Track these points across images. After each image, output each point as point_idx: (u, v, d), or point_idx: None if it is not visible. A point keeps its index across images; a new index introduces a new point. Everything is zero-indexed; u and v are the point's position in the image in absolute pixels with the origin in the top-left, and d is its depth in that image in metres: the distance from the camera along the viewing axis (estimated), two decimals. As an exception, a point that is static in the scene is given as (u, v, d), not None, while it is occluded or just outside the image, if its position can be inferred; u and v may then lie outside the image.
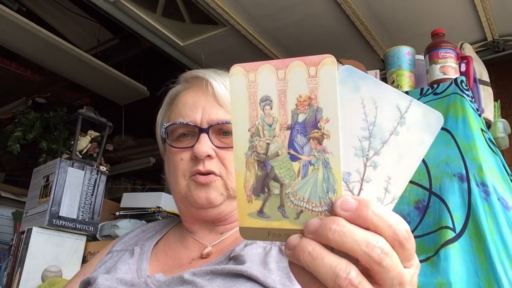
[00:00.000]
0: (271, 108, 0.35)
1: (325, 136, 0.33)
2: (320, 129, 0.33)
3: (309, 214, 0.34)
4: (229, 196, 0.78)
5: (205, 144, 0.76)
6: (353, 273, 0.32)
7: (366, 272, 0.33)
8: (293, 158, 0.34)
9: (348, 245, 0.32)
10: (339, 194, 0.33)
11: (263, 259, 0.68)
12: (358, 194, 0.35)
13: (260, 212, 0.35)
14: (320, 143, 0.33)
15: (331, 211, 0.34)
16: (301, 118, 0.34)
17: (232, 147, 0.76)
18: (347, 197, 0.33)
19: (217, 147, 0.78)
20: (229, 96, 0.79)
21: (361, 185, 0.35)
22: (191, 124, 0.79)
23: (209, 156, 0.77)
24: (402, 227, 0.34)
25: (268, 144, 0.35)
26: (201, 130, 0.78)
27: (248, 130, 0.35)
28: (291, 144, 0.34)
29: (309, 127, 0.33)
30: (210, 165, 0.77)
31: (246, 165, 0.35)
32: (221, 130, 0.80)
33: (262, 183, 0.35)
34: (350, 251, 0.32)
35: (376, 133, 0.34)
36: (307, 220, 0.34)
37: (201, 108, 0.80)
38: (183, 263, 0.77)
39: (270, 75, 0.35)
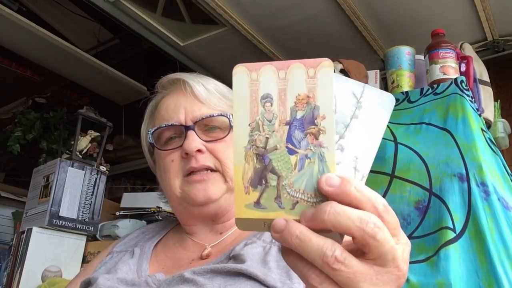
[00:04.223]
0: (271, 105, 0.37)
1: (321, 132, 0.35)
2: (316, 125, 0.36)
3: (304, 204, 0.36)
4: (228, 188, 0.78)
5: (193, 140, 0.77)
6: (338, 251, 0.34)
7: (361, 250, 0.36)
8: (291, 152, 0.36)
9: (343, 224, 0.34)
10: None
11: (263, 258, 0.68)
12: None
13: (257, 203, 0.37)
14: (317, 138, 0.35)
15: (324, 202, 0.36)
16: (299, 115, 0.36)
17: (221, 139, 0.78)
18: (331, 174, 0.36)
19: (205, 141, 0.79)
20: (208, 93, 0.82)
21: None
22: (176, 124, 0.80)
23: (199, 151, 0.77)
24: (380, 201, 0.36)
25: (267, 138, 0.37)
26: (187, 128, 0.79)
27: (249, 125, 0.37)
28: (289, 139, 0.36)
29: (306, 123, 0.36)
30: (203, 160, 0.77)
31: (245, 158, 0.37)
32: (207, 126, 0.80)
33: (260, 175, 0.37)
34: (346, 229, 0.34)
35: (339, 119, 0.37)
36: (302, 210, 0.36)
37: (183, 108, 0.81)
38: (183, 264, 0.77)
39: (272, 75, 0.37)
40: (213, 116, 0.80)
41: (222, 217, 0.80)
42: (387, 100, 0.37)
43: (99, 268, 0.82)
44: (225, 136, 0.80)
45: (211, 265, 0.69)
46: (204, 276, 0.66)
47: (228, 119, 0.81)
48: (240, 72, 0.38)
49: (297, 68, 0.36)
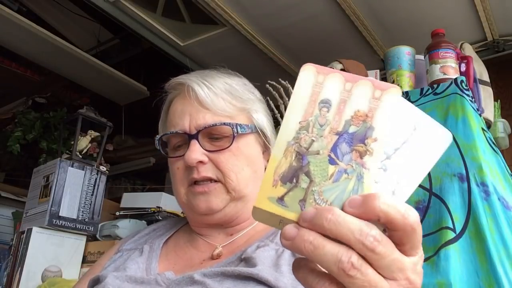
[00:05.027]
0: (327, 111, 0.37)
1: (368, 153, 0.35)
2: (365, 145, 0.35)
3: None
4: (232, 198, 0.77)
5: (194, 151, 0.76)
6: (354, 257, 0.33)
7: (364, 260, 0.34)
8: (331, 162, 0.36)
9: (343, 234, 0.33)
10: None
11: (275, 262, 0.67)
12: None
13: (280, 199, 0.36)
14: (361, 157, 0.35)
15: None
16: (352, 129, 0.36)
17: (224, 149, 0.77)
18: (354, 196, 0.35)
19: (209, 151, 0.77)
20: (213, 98, 0.79)
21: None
22: (180, 132, 0.79)
23: (201, 162, 0.76)
24: (412, 213, 0.35)
25: (313, 140, 0.36)
26: (191, 137, 0.77)
27: (299, 123, 0.37)
28: (334, 149, 0.36)
29: (356, 139, 0.35)
30: (204, 171, 0.76)
31: (284, 152, 0.37)
32: (212, 135, 0.79)
33: (293, 174, 0.36)
34: (345, 239, 0.33)
35: (390, 141, 0.36)
36: None
37: (188, 115, 0.79)
38: (194, 264, 0.77)
39: (338, 83, 0.37)
40: (215, 125, 0.77)
41: (231, 222, 0.80)
42: (444, 136, 0.36)
43: (108, 266, 0.81)
44: (229, 146, 0.78)
45: (221, 267, 0.68)
46: (213, 279, 0.65)
47: (232, 128, 0.78)
48: (308, 70, 0.37)
49: (365, 85, 0.36)
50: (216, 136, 0.78)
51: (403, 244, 0.35)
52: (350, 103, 0.36)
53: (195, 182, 0.78)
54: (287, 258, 0.68)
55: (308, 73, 0.37)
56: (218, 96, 0.79)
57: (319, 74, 0.37)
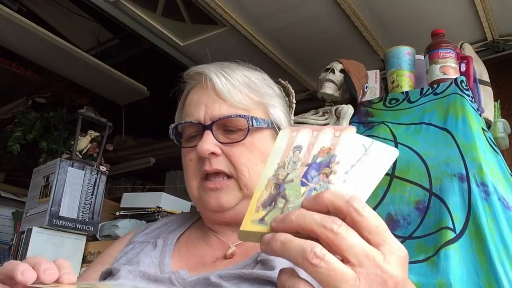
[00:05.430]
0: (299, 152, 0.46)
1: (332, 173, 0.42)
2: (330, 168, 0.43)
3: None
4: (244, 196, 0.76)
5: (207, 142, 0.74)
6: (318, 248, 0.37)
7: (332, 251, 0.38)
8: (303, 184, 0.43)
9: (307, 223, 0.38)
10: None
11: (293, 265, 0.66)
12: None
13: (261, 220, 0.43)
14: (327, 177, 0.42)
15: None
16: (319, 160, 0.44)
17: (238, 142, 0.76)
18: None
19: (222, 143, 0.76)
20: (230, 89, 0.77)
21: None
22: (195, 122, 0.78)
23: (213, 153, 0.74)
24: (357, 199, 0.39)
25: (288, 173, 0.45)
26: (205, 127, 0.76)
27: (278, 164, 0.46)
28: (305, 175, 0.44)
29: (323, 166, 0.43)
30: (216, 164, 0.75)
31: (266, 186, 0.45)
32: (226, 127, 0.77)
33: (272, 199, 0.44)
34: (310, 228, 0.38)
35: (348, 161, 0.44)
36: None
37: (204, 105, 0.78)
38: (207, 262, 0.76)
39: (307, 133, 0.47)
40: (230, 117, 0.76)
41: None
42: (390, 153, 0.44)
43: (120, 258, 0.80)
44: (243, 139, 0.76)
45: (238, 269, 0.67)
46: (230, 281, 0.64)
47: (247, 121, 0.76)
48: (284, 130, 0.49)
49: (328, 130, 0.46)
50: (231, 129, 0.77)
51: (360, 231, 0.38)
52: (317, 143, 0.45)
53: (207, 177, 0.76)
54: None
55: (284, 131, 0.48)
56: (235, 88, 0.78)
57: (293, 131, 0.48)
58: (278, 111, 0.83)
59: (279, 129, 0.82)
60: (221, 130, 0.77)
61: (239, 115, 0.76)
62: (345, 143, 0.44)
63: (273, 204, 0.43)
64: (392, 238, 0.39)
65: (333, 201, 0.39)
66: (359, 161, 0.43)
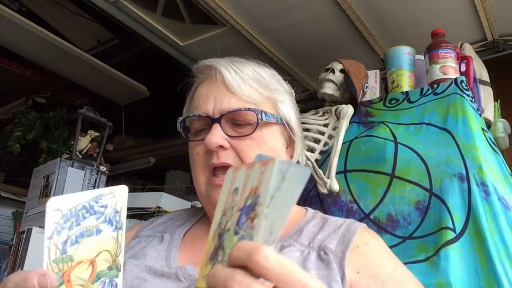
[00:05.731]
0: (237, 196, 0.45)
1: (256, 216, 0.41)
2: (255, 211, 0.42)
3: None
4: None
5: (215, 135, 0.74)
6: (238, 274, 0.38)
7: None
8: (235, 233, 0.43)
9: (217, 284, 0.39)
10: None
11: (301, 265, 0.65)
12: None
13: (208, 276, 0.42)
14: (252, 221, 0.41)
15: None
16: (248, 202, 0.43)
17: (246, 136, 0.75)
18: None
19: (230, 136, 0.75)
20: (240, 83, 0.77)
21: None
22: (203, 115, 0.77)
23: (222, 147, 0.74)
24: (259, 250, 0.39)
25: (227, 221, 0.45)
26: (213, 120, 0.75)
27: (222, 211, 0.46)
28: (238, 222, 0.43)
29: (250, 209, 0.42)
30: (224, 157, 0.74)
31: (213, 237, 0.45)
32: (235, 120, 0.77)
33: (215, 251, 0.44)
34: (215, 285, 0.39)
35: (269, 193, 0.42)
36: None
37: (213, 98, 0.77)
38: None
39: (243, 173, 0.46)
40: (239, 110, 0.75)
41: None
42: (303, 173, 0.42)
43: (125, 252, 0.78)
44: (251, 133, 0.75)
45: None
46: None
47: (256, 114, 0.76)
48: (229, 172, 0.49)
49: (256, 166, 0.44)
50: (239, 122, 0.77)
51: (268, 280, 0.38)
52: (249, 183, 0.44)
53: (214, 172, 0.76)
54: (314, 261, 0.66)
55: (227, 174, 0.49)
56: (245, 82, 0.78)
57: (234, 171, 0.48)
58: (287, 107, 0.83)
59: (288, 125, 0.82)
60: (230, 123, 0.77)
61: (249, 108, 0.76)
62: (267, 178, 0.42)
63: (215, 257, 0.43)
64: (306, 282, 0.39)
65: (238, 256, 0.39)
66: (278, 191, 0.41)
